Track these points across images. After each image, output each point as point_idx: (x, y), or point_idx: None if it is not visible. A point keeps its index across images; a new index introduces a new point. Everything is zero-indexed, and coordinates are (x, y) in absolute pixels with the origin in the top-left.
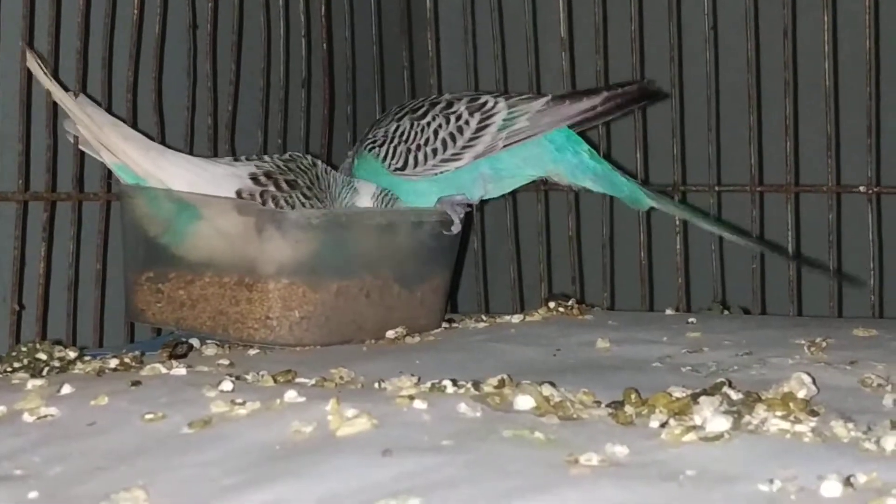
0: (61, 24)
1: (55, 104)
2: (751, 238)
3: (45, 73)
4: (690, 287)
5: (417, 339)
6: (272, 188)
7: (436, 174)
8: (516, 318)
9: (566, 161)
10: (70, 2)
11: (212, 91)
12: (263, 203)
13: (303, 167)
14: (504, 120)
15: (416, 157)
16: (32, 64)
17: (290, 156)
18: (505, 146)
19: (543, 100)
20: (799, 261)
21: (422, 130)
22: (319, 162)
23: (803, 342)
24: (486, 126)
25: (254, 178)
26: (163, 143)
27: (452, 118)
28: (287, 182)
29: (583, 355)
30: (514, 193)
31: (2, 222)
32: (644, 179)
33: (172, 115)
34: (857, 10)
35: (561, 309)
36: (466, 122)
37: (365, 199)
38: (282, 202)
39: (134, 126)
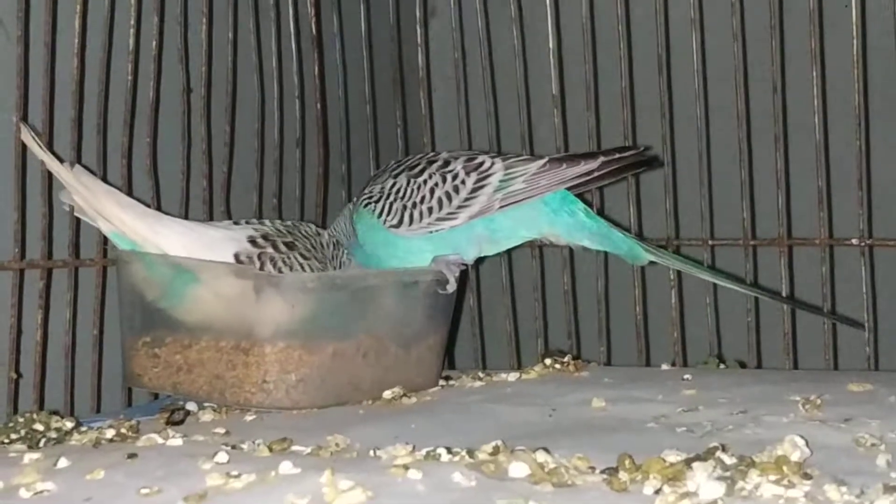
0: (55, 91)
1: (49, 172)
2: (751, 287)
3: (39, 146)
4: (686, 340)
5: (414, 399)
6: (270, 249)
7: (431, 232)
8: (512, 376)
9: (562, 222)
10: (63, 67)
11: (206, 154)
12: (262, 265)
13: (304, 234)
14: (500, 181)
15: (411, 215)
16: (27, 137)
17: (293, 223)
18: (501, 207)
19: (540, 162)
20: (793, 303)
21: (418, 188)
22: (324, 232)
23: (798, 399)
24: (483, 186)
25: (252, 241)
26: (158, 207)
27: (449, 177)
28: (285, 244)
29: (578, 415)
30: (509, 250)
31: None
32: (638, 234)
33: (167, 179)
34: (846, 64)
35: (557, 366)
36: (463, 182)
37: None
38: (280, 263)
39: (129, 191)
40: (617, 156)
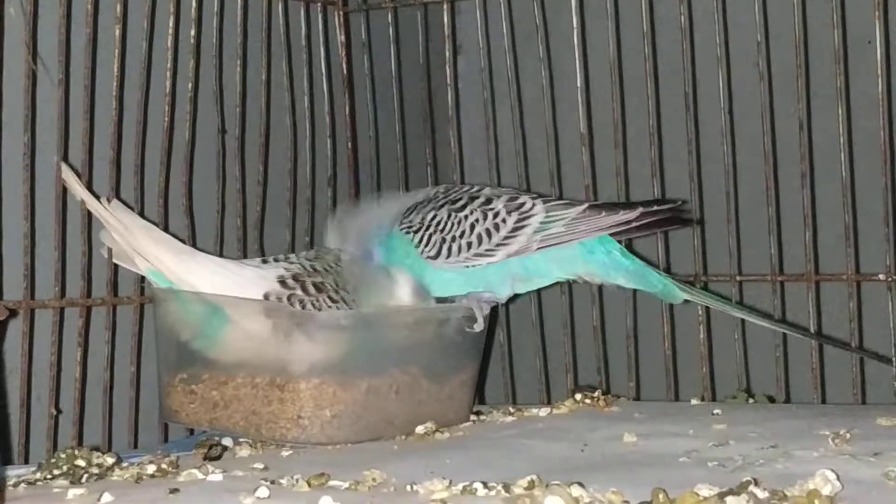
0: (94, 133)
1: (89, 212)
2: (782, 324)
3: (79, 185)
4: (715, 374)
5: (447, 434)
6: (299, 291)
7: (467, 267)
8: (543, 411)
9: (598, 262)
10: (102, 109)
11: (240, 193)
12: (291, 306)
13: (328, 266)
14: (541, 223)
15: (449, 248)
16: (67, 176)
17: (317, 253)
18: (538, 249)
19: (581, 207)
20: (821, 339)
21: (458, 222)
22: (342, 255)
23: (828, 433)
24: (523, 227)
25: (282, 282)
26: (193, 244)
27: (490, 214)
28: (314, 285)
29: (610, 450)
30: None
31: (39, 329)
32: (666, 270)
33: (203, 218)
34: (871, 101)
35: (587, 401)
36: (503, 221)
37: (404, 289)
38: (308, 306)
39: (165, 229)
40: (655, 208)
